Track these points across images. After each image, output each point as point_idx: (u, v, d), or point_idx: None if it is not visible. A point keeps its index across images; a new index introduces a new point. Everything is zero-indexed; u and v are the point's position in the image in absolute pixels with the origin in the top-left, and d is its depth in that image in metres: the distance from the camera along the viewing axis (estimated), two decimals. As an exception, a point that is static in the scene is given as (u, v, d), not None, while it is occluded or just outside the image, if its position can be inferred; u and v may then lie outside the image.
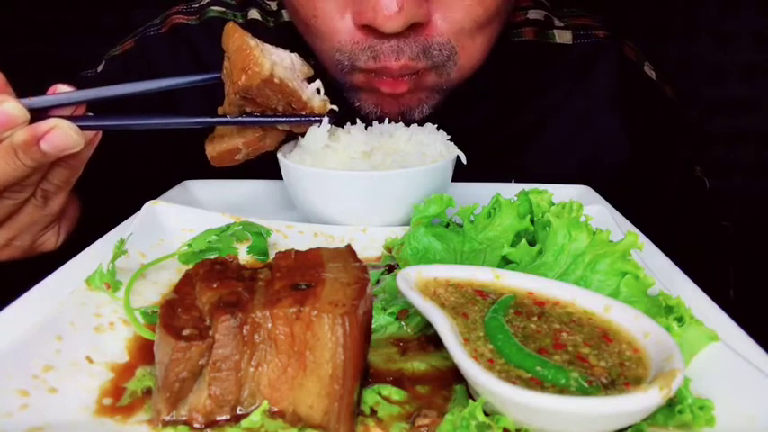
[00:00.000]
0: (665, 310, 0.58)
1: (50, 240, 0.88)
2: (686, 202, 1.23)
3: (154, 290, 0.68)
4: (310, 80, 0.85)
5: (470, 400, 0.49)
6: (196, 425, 0.48)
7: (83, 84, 0.81)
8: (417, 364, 0.56)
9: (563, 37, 1.20)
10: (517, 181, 0.97)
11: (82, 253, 0.72)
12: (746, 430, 0.47)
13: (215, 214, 0.82)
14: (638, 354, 0.50)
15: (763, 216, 2.09)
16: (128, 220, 0.82)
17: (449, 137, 0.91)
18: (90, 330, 0.58)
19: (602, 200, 0.93)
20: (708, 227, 1.27)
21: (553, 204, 0.71)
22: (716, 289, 0.65)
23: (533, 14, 1.21)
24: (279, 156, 0.88)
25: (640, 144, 1.19)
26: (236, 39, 0.80)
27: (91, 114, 0.81)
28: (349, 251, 0.59)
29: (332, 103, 0.86)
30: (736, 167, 2.21)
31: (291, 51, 0.84)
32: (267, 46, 0.81)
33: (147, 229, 0.76)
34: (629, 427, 0.46)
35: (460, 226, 0.77)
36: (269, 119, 0.83)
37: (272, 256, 0.75)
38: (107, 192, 0.99)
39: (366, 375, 0.54)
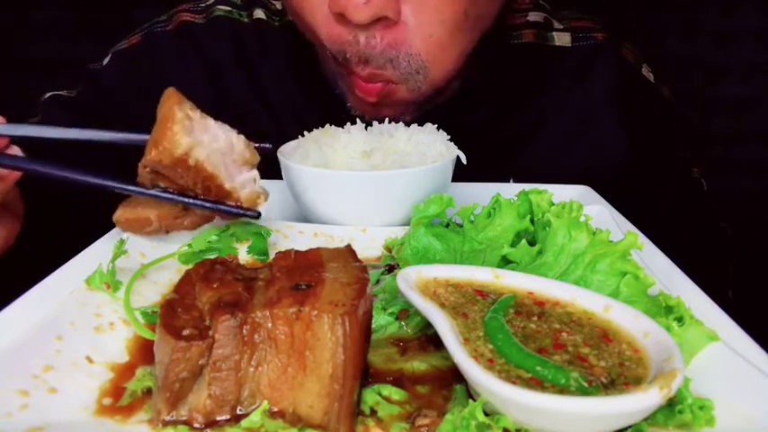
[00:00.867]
0: (665, 310, 0.59)
1: None
2: (685, 202, 1.24)
3: (154, 290, 0.68)
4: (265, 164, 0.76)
5: (470, 400, 0.49)
6: (196, 425, 0.48)
7: (90, 76, 0.79)
8: (417, 364, 0.56)
9: (562, 39, 1.21)
10: (517, 181, 0.97)
11: (82, 253, 0.72)
12: (746, 430, 0.47)
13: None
14: (638, 354, 0.50)
15: (762, 216, 2.09)
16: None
17: (449, 137, 0.91)
18: (90, 330, 0.58)
19: (602, 200, 0.93)
20: (706, 228, 1.28)
21: (553, 204, 0.71)
22: (715, 289, 0.65)
23: (533, 17, 1.22)
24: (279, 156, 0.88)
25: (639, 145, 1.20)
26: (167, 107, 0.70)
27: (13, 153, 0.74)
28: (349, 251, 0.59)
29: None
30: (735, 167, 2.20)
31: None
32: (208, 121, 0.71)
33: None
34: (629, 427, 0.46)
35: (460, 226, 0.77)
36: (188, 199, 0.73)
37: (272, 256, 0.75)
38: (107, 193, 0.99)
39: (366, 375, 0.54)
